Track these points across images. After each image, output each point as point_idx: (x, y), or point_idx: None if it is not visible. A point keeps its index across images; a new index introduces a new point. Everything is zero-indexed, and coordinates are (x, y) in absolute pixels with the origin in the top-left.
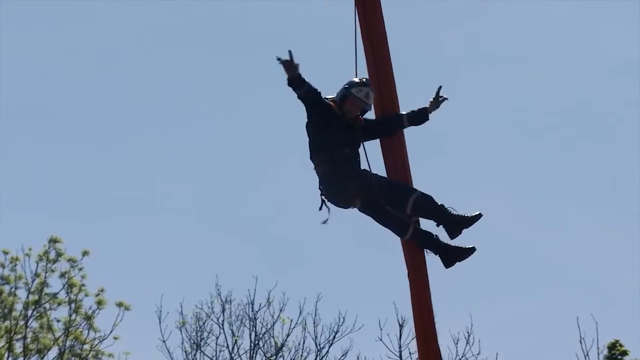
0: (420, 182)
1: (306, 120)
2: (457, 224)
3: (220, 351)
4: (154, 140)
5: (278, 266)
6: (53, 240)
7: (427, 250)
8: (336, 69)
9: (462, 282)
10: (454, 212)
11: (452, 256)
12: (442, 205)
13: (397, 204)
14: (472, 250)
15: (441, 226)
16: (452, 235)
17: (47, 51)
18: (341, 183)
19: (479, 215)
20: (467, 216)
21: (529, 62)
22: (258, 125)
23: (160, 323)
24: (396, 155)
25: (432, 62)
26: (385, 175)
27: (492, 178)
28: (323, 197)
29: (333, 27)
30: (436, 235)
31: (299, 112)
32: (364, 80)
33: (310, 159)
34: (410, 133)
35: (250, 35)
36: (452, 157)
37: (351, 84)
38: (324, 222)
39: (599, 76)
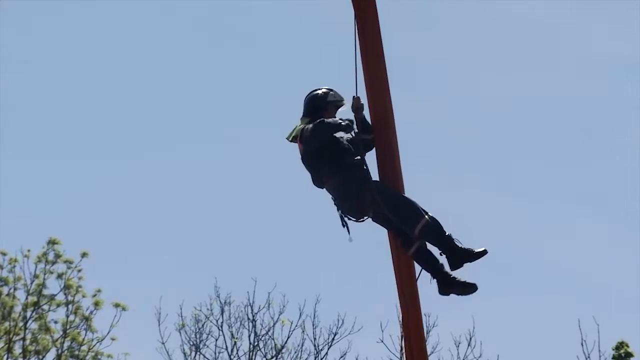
0: (420, 182)
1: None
2: (461, 256)
3: (219, 353)
4: (153, 141)
5: (277, 268)
6: (52, 242)
7: (427, 272)
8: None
9: None
10: (460, 245)
11: (450, 288)
12: (450, 235)
13: (406, 224)
14: (474, 288)
15: (444, 255)
16: (453, 267)
17: (47, 51)
18: (356, 187)
19: (484, 252)
20: (472, 251)
21: (527, 62)
22: (258, 125)
23: (159, 325)
24: (387, 162)
25: (431, 62)
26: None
27: (492, 178)
28: (341, 213)
29: (331, 29)
30: (441, 263)
31: (298, 111)
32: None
33: (316, 183)
34: (409, 133)
35: (249, 34)
36: (452, 157)
37: (315, 103)
38: (350, 240)
39: (597, 75)
